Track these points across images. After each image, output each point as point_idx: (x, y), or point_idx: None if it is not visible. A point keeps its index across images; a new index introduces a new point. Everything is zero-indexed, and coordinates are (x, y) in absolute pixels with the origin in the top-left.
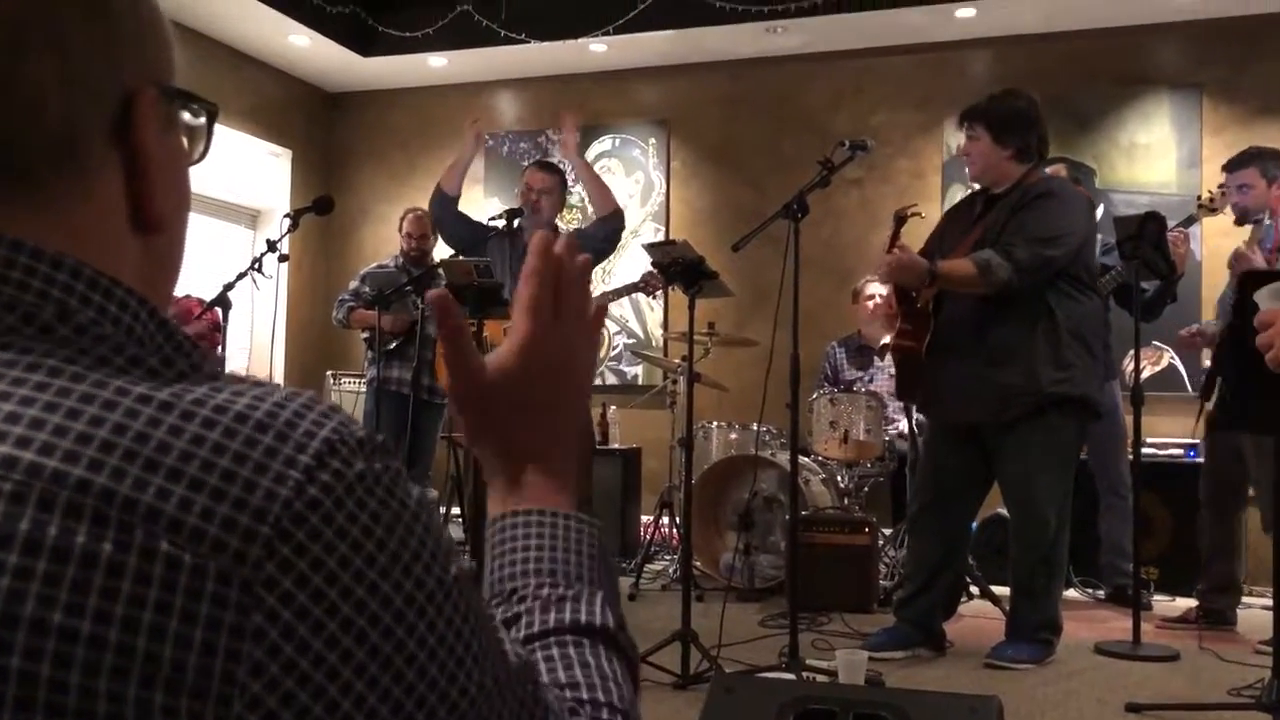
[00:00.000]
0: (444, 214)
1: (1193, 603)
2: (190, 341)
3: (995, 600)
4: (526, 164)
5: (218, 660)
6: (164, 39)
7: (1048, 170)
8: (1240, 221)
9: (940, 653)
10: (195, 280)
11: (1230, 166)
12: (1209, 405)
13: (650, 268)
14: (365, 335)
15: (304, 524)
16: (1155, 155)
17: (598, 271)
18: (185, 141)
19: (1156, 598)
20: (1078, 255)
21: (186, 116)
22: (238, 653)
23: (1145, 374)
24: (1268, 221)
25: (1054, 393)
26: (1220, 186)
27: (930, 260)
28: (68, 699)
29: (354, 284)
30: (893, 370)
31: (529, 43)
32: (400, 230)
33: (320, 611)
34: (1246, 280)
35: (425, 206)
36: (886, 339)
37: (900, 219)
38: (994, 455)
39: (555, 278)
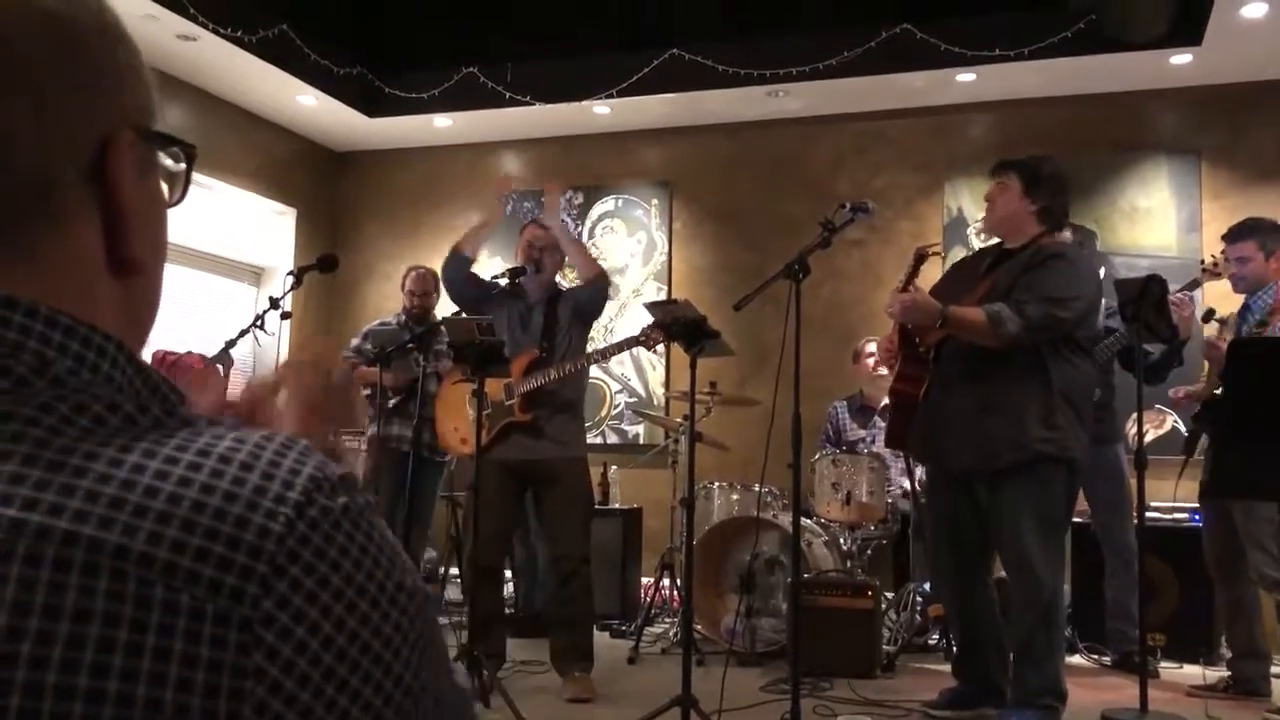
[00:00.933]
0: (457, 276)
1: (1209, 669)
2: (167, 384)
3: None
4: (525, 222)
5: (221, 702)
6: (142, 81)
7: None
8: (1239, 291)
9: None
10: (197, 336)
11: (1229, 238)
12: (1192, 460)
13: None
14: (366, 392)
15: (298, 560)
16: (1155, 219)
17: (598, 328)
18: (165, 185)
19: (1164, 664)
20: (1083, 320)
21: (167, 161)
22: (241, 692)
23: (1149, 437)
24: (1262, 300)
25: (1042, 451)
26: (1223, 253)
27: (943, 304)
28: None
29: (355, 341)
30: None
31: (533, 105)
32: (403, 288)
33: (317, 645)
34: (1234, 350)
35: (429, 265)
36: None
37: (921, 257)
38: (987, 513)
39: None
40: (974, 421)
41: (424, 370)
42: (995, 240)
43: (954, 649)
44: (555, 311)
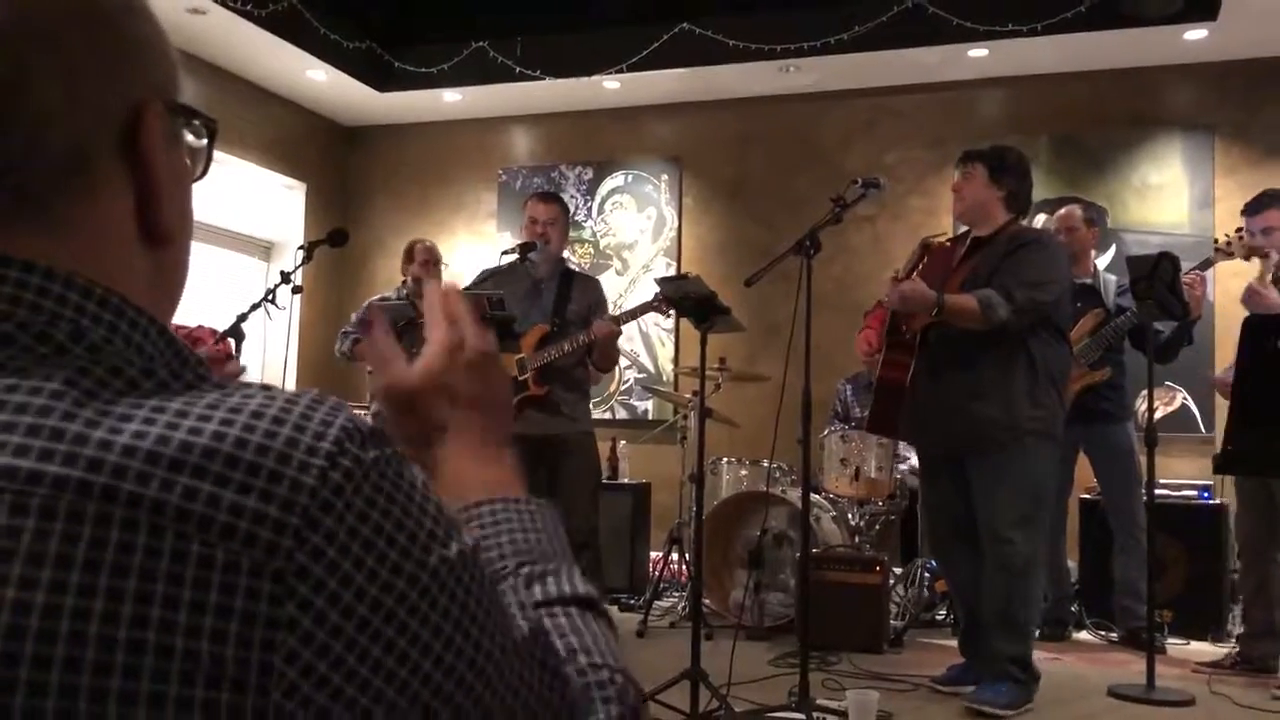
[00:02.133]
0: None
1: (1219, 647)
2: (194, 355)
3: None
4: (528, 196)
5: (254, 653)
6: (168, 55)
7: (1061, 211)
8: (1266, 269)
9: None
10: (208, 310)
11: (1250, 210)
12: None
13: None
14: (370, 369)
15: (331, 510)
16: (1167, 196)
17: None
18: (188, 160)
19: (1171, 640)
20: (1059, 302)
21: (189, 137)
22: (273, 643)
23: (1159, 415)
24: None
25: (1031, 429)
26: (1238, 231)
27: (939, 292)
28: (107, 708)
29: (357, 316)
30: None
31: (543, 80)
32: (409, 259)
33: (350, 595)
34: (1249, 326)
35: (433, 239)
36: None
37: (926, 247)
38: (971, 484)
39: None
40: (965, 405)
41: None
42: (964, 229)
43: (960, 625)
44: (568, 290)
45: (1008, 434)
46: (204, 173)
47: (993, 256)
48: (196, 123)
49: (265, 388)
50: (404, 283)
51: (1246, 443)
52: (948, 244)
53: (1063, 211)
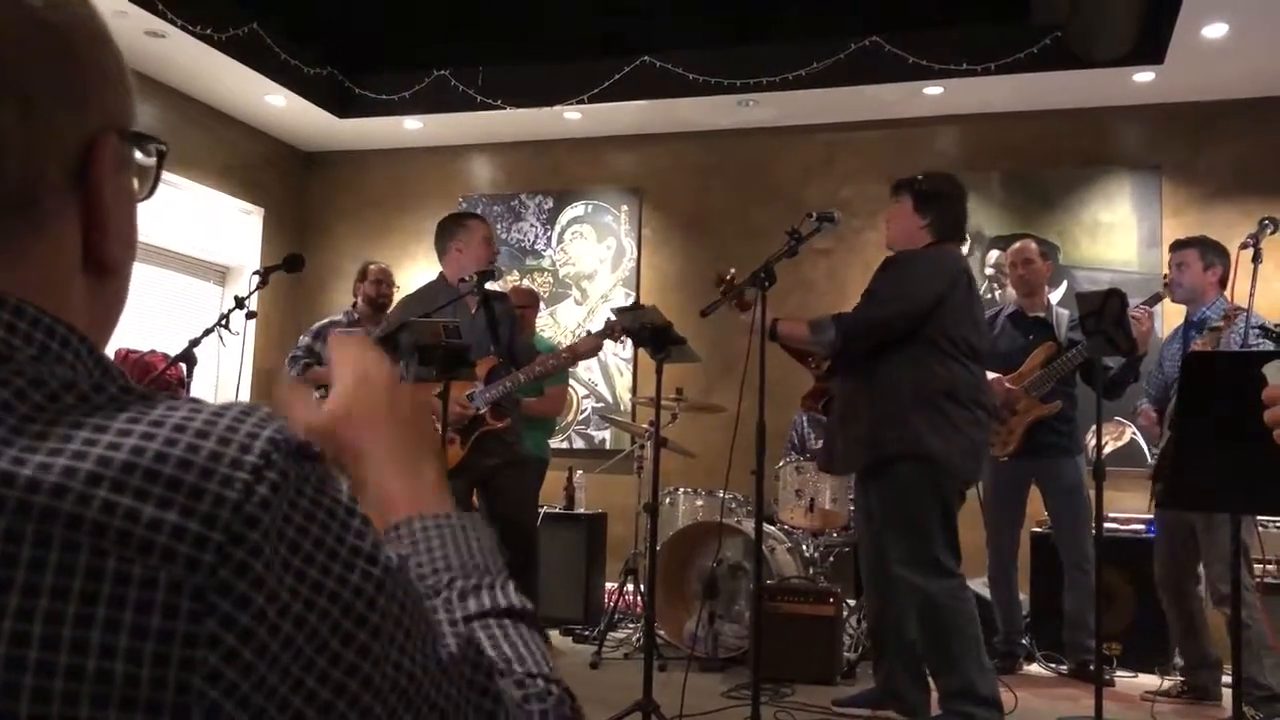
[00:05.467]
0: None
1: (1164, 679)
2: (122, 374)
3: None
4: (460, 215)
5: (171, 671)
6: (125, 83)
7: (1016, 245)
8: (1177, 299)
9: (912, 717)
10: (161, 335)
11: (1175, 246)
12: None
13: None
14: (320, 393)
15: (256, 525)
16: (1117, 234)
17: (565, 333)
18: (135, 181)
19: (1119, 673)
20: (926, 319)
21: (139, 156)
22: (192, 661)
23: (1107, 449)
24: (1208, 309)
25: (895, 450)
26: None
27: (773, 322)
28: None
29: (305, 340)
30: None
31: (504, 108)
32: (362, 280)
33: (275, 612)
34: (1189, 362)
35: (392, 271)
36: None
37: (720, 280)
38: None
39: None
40: (842, 428)
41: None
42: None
43: (854, 648)
44: (495, 316)
45: (872, 454)
46: (151, 193)
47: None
48: (149, 145)
49: (192, 401)
50: (354, 304)
51: (1186, 477)
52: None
53: (1017, 245)
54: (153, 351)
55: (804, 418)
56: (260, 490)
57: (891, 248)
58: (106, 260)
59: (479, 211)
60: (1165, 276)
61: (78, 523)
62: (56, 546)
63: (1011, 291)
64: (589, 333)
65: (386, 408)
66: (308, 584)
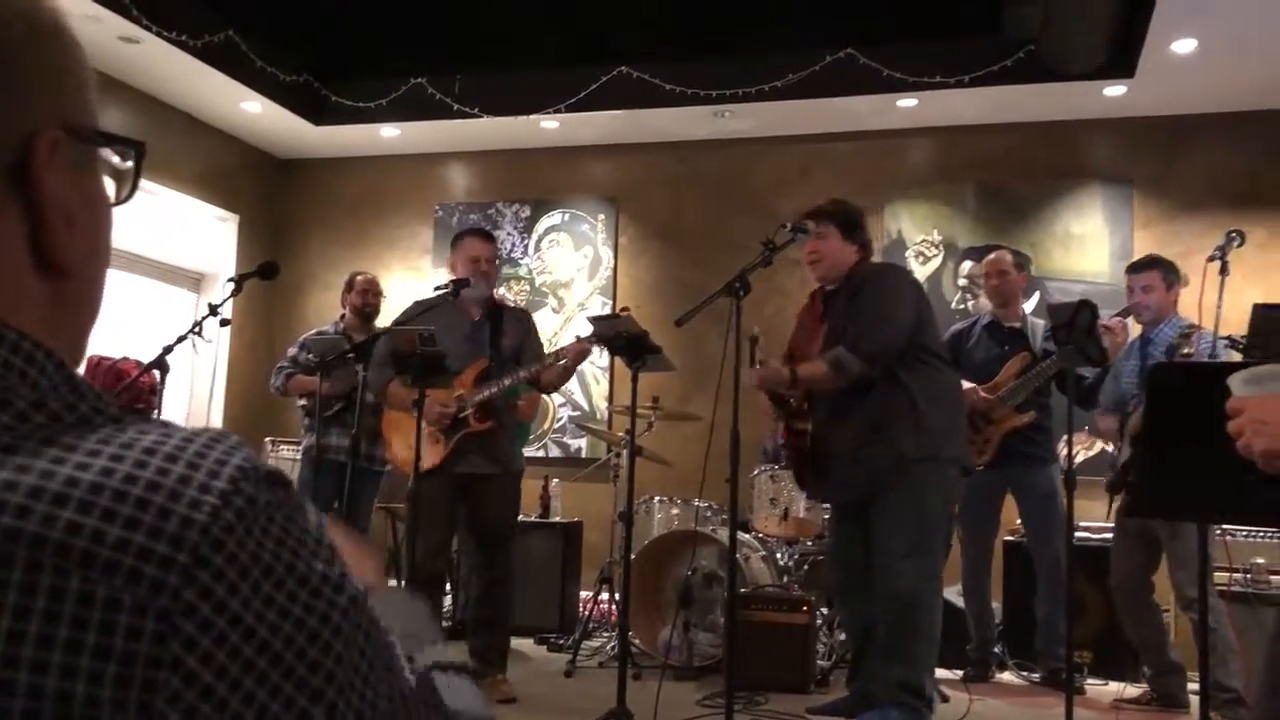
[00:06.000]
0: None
1: (1133, 686)
2: (93, 390)
3: None
4: (462, 232)
5: (133, 693)
6: (77, 79)
7: (991, 255)
8: (1143, 320)
9: None
10: (134, 342)
11: (1134, 269)
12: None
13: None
14: (303, 402)
15: (221, 549)
16: (1089, 245)
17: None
18: (111, 184)
19: (1090, 681)
20: (918, 329)
21: (114, 159)
22: (154, 683)
23: (1079, 458)
24: (1166, 327)
25: (917, 457)
26: (1128, 284)
27: (790, 366)
28: None
29: (293, 351)
30: None
31: (481, 117)
32: (349, 290)
33: (237, 636)
34: (1155, 373)
35: (372, 272)
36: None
37: (754, 340)
38: (871, 526)
39: None
40: (857, 453)
41: (363, 380)
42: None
43: (828, 656)
44: (500, 325)
45: (898, 471)
46: (129, 196)
47: (841, 307)
48: (118, 145)
49: (163, 424)
50: (341, 315)
51: (1152, 486)
52: (808, 302)
53: (992, 256)
54: (125, 359)
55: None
56: (227, 515)
57: (825, 281)
58: (58, 261)
59: (455, 219)
60: (1129, 300)
61: (41, 543)
62: (19, 566)
63: (985, 302)
64: (577, 338)
65: None
66: (274, 609)
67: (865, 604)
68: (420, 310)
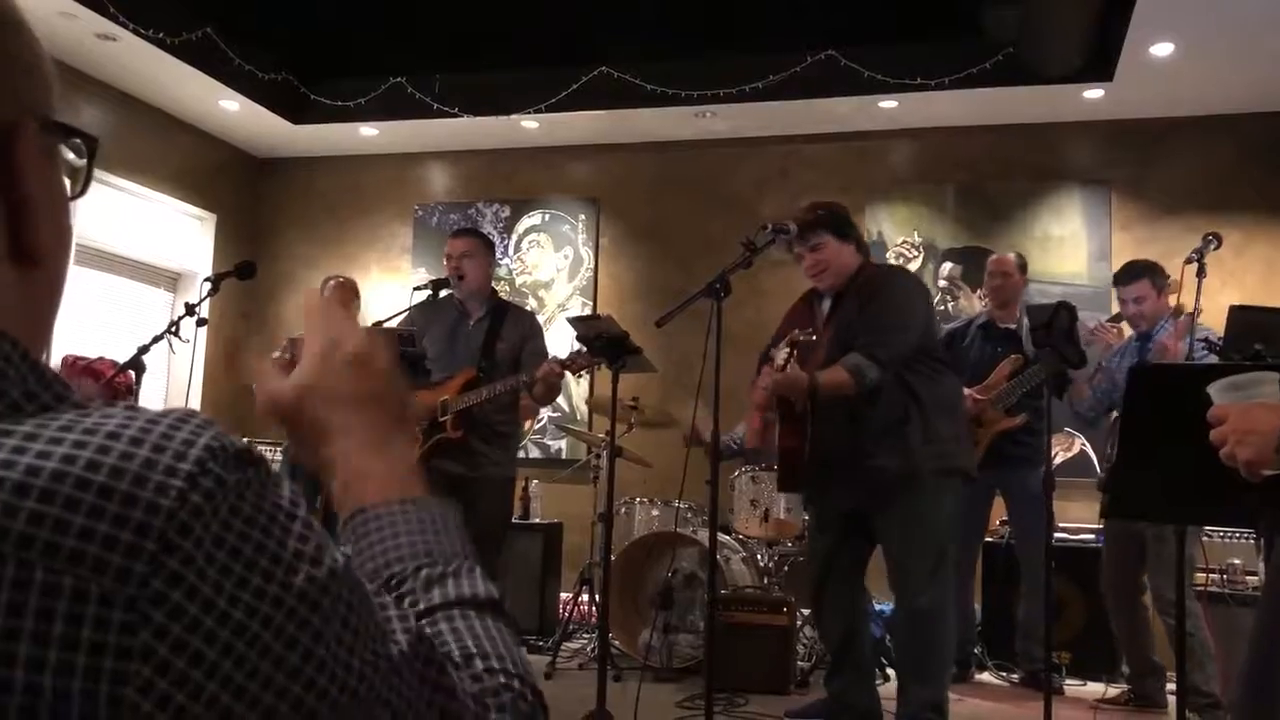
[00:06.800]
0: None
1: (1112, 687)
2: (59, 378)
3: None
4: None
5: (103, 685)
6: (42, 71)
7: (995, 256)
8: (1139, 329)
9: None
10: (110, 342)
11: (1122, 280)
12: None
13: (576, 345)
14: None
15: (189, 534)
16: (1068, 248)
17: None
18: (66, 179)
19: (1069, 682)
20: (927, 335)
21: (69, 155)
22: (125, 674)
23: (1057, 460)
24: (1164, 324)
25: (929, 468)
26: (1119, 296)
27: (810, 374)
28: None
29: (276, 354)
30: None
31: (461, 116)
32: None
33: (212, 621)
34: (1134, 375)
35: (348, 274)
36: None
37: (794, 344)
38: (877, 534)
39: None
40: (863, 462)
41: None
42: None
43: (829, 664)
44: (499, 327)
45: (908, 480)
46: (83, 191)
47: (850, 311)
48: (76, 141)
49: (129, 408)
50: None
51: (1132, 487)
52: (799, 303)
53: (998, 257)
54: (101, 358)
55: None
56: (194, 498)
57: (834, 288)
58: (34, 249)
59: (435, 220)
60: (1121, 312)
61: (3, 535)
62: None
63: (965, 303)
64: (555, 359)
65: (356, 381)
66: (249, 590)
67: (845, 610)
68: (418, 311)
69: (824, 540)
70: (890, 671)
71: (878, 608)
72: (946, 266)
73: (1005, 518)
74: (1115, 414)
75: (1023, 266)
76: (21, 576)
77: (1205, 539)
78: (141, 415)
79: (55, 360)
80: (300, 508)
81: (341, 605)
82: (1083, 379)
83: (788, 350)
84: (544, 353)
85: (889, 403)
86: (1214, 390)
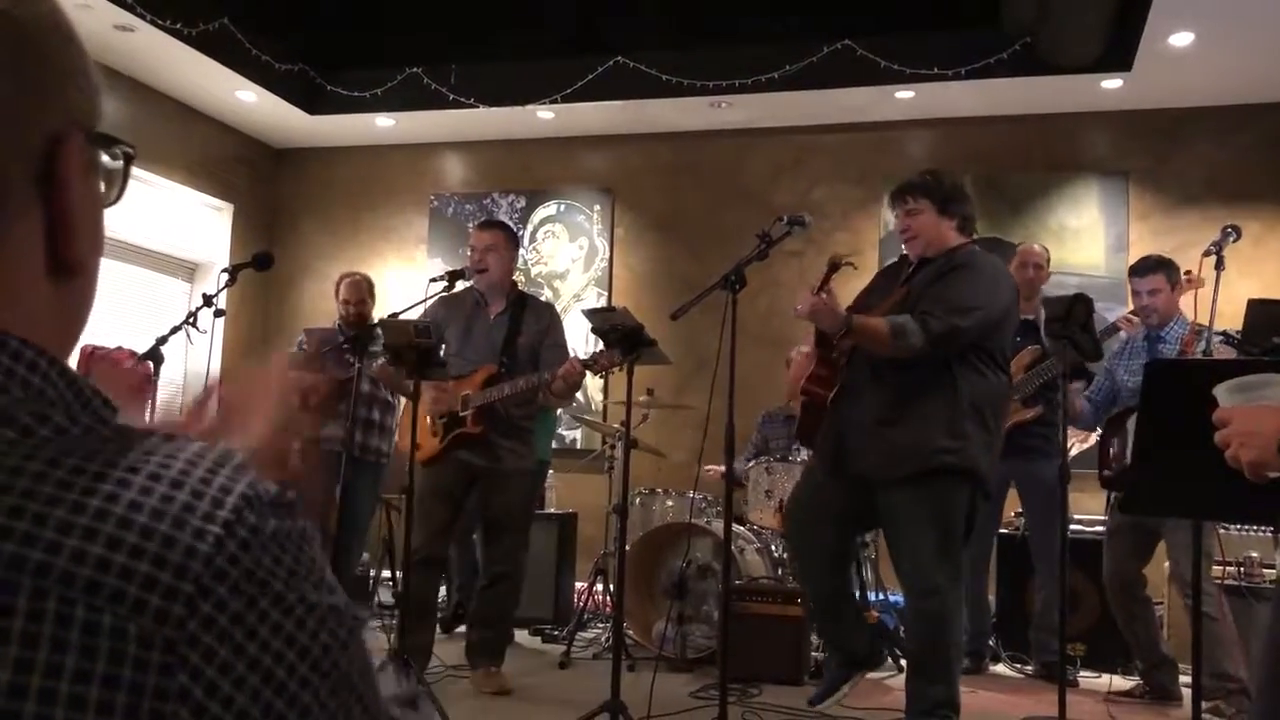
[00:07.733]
0: None
1: (1126, 679)
2: (98, 395)
3: None
4: (473, 225)
5: None
6: (91, 81)
7: (1022, 246)
8: (1151, 323)
9: (874, 668)
10: (129, 331)
11: (1138, 272)
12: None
13: (594, 340)
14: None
15: (225, 579)
16: (1084, 239)
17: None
18: (102, 184)
19: (1083, 674)
20: (992, 331)
21: (105, 160)
22: (162, 714)
23: (1073, 452)
24: (1175, 324)
25: (944, 462)
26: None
27: (850, 309)
28: None
29: (298, 342)
30: None
31: (477, 107)
32: (337, 296)
33: (243, 666)
34: (1153, 372)
35: (363, 268)
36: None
37: (834, 265)
38: (883, 516)
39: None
40: (877, 428)
41: (359, 371)
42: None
43: (813, 610)
44: (519, 321)
45: (917, 462)
46: (119, 197)
47: (928, 277)
48: (115, 148)
49: (167, 443)
50: (342, 316)
51: (1149, 482)
52: (854, 265)
53: (1028, 246)
54: (119, 348)
55: (767, 422)
56: (230, 546)
57: (923, 255)
58: (73, 262)
59: (450, 210)
60: (1134, 307)
61: (46, 570)
62: (25, 593)
63: None
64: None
65: (278, 467)
66: (280, 637)
67: (824, 552)
68: (439, 304)
69: (824, 486)
70: (904, 662)
71: (891, 599)
72: None
73: (1020, 510)
74: (1115, 410)
75: (1048, 259)
76: (64, 612)
77: (1222, 531)
78: (180, 456)
79: (74, 353)
80: (326, 562)
81: (360, 658)
82: (1076, 393)
83: (825, 270)
84: (563, 345)
85: (923, 380)
86: (1220, 392)
